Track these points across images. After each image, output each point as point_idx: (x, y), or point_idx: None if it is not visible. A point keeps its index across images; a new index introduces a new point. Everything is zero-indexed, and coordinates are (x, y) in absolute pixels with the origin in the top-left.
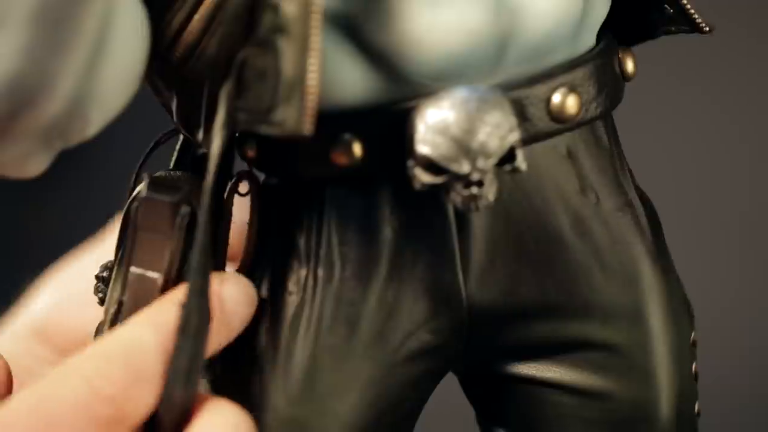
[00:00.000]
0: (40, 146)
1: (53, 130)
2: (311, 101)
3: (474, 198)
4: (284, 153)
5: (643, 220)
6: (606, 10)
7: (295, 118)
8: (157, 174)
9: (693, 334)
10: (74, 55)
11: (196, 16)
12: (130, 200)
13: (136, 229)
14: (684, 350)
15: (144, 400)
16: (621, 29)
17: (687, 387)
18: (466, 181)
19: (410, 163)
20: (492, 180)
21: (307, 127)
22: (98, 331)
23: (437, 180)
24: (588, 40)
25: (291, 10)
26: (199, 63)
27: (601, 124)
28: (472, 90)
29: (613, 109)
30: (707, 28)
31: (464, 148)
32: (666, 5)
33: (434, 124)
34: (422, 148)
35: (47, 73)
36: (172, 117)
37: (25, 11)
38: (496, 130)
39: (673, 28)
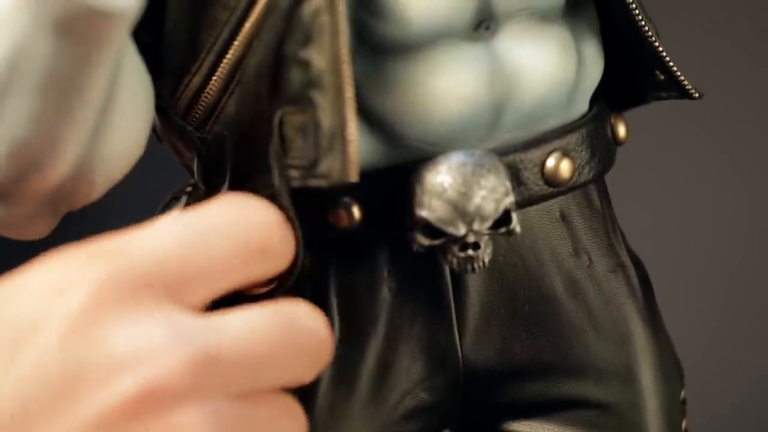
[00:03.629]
0: (46, 209)
1: (58, 194)
2: (353, 148)
3: (470, 260)
4: None
5: (635, 281)
6: (599, 76)
7: (340, 167)
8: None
9: (683, 392)
10: (80, 121)
11: (214, 78)
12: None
13: None
14: (675, 408)
15: (285, 254)
16: (613, 95)
17: None
18: (463, 243)
19: (409, 225)
20: (488, 242)
21: (353, 175)
22: None
23: (435, 242)
24: (581, 105)
25: (322, 63)
26: (217, 124)
27: (593, 188)
28: (468, 155)
29: (605, 173)
30: (696, 95)
31: (461, 211)
32: (657, 71)
33: (431, 188)
34: (420, 211)
35: (54, 139)
36: (192, 175)
37: (35, 79)
38: (492, 194)
39: (663, 94)
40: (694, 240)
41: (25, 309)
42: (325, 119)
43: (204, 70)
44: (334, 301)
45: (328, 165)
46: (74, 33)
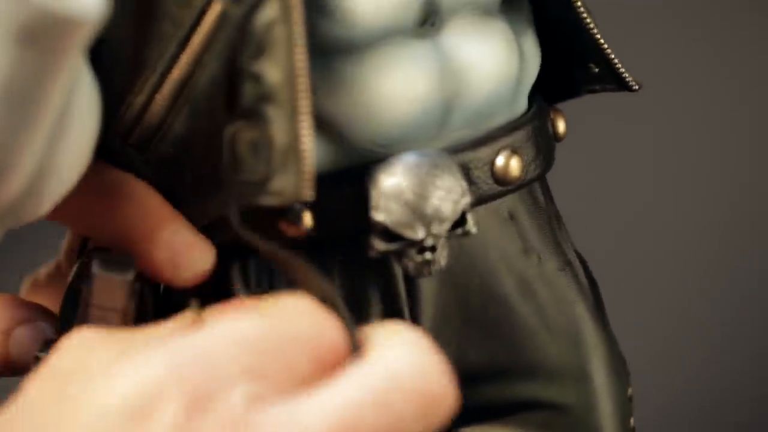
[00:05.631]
0: None
1: (9, 210)
2: (308, 166)
3: (427, 263)
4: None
5: (583, 279)
6: (537, 70)
7: (294, 185)
8: (102, 252)
9: (630, 390)
10: (38, 134)
11: (158, 95)
12: (75, 279)
13: (88, 306)
14: (625, 406)
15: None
16: (545, 89)
17: None
18: (420, 246)
19: (363, 230)
20: (444, 245)
21: (307, 193)
22: None
23: (392, 247)
24: (523, 101)
25: (275, 76)
26: (163, 143)
27: (537, 186)
28: (421, 155)
29: (548, 170)
30: (636, 86)
31: (419, 213)
32: (591, 64)
33: (388, 191)
34: (377, 215)
35: (10, 153)
36: None
37: None
38: (449, 195)
39: (597, 87)
40: (633, 236)
41: None
42: (279, 135)
43: (148, 88)
44: None
45: (281, 183)
46: (37, 41)
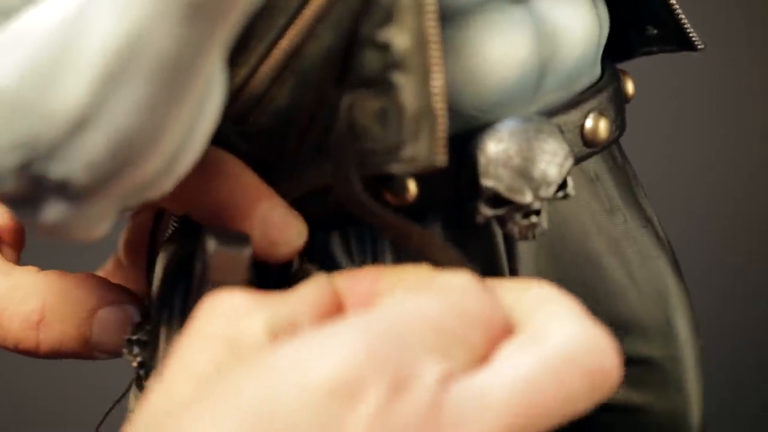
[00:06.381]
0: (118, 206)
1: (141, 186)
2: (441, 131)
3: (533, 226)
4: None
5: (662, 234)
6: (607, 33)
7: (427, 151)
8: (214, 230)
9: (701, 341)
10: (186, 109)
11: (263, 67)
12: (171, 261)
13: (204, 283)
14: (702, 357)
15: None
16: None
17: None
18: (526, 210)
19: (471, 197)
20: (546, 207)
21: (441, 158)
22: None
23: (499, 212)
24: (599, 65)
25: (404, 43)
26: (263, 115)
27: (615, 146)
28: (526, 120)
29: (624, 130)
30: (701, 45)
31: (527, 177)
32: (649, 26)
33: (496, 156)
34: (486, 181)
35: (159, 130)
36: None
37: (152, 66)
38: (554, 158)
39: (655, 48)
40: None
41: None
42: (410, 102)
43: (252, 60)
44: None
45: (414, 150)
46: (202, 17)
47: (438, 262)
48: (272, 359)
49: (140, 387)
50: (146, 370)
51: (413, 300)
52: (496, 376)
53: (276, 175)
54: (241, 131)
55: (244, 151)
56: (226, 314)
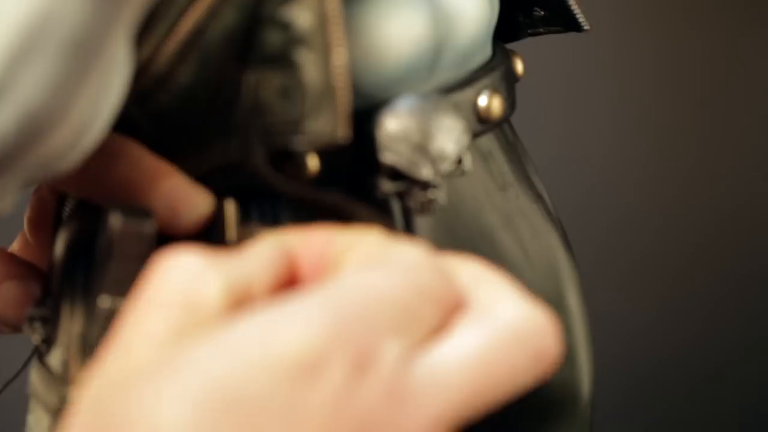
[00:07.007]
0: (21, 181)
1: (46, 161)
2: (344, 107)
3: (431, 201)
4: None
5: (552, 210)
6: (497, 14)
7: (330, 127)
8: (116, 206)
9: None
10: (92, 87)
11: (164, 48)
12: (73, 237)
13: (109, 257)
14: (589, 328)
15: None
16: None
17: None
18: (425, 185)
19: (370, 172)
20: (443, 183)
21: (343, 133)
22: (47, 368)
23: (399, 187)
24: (490, 45)
25: (307, 21)
26: (166, 95)
27: (506, 124)
28: (422, 97)
29: (515, 108)
30: (587, 27)
31: (425, 153)
32: (536, 8)
33: (395, 133)
34: (386, 156)
35: (67, 103)
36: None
37: (61, 41)
38: (451, 134)
39: (541, 30)
40: (596, 173)
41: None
42: (312, 78)
43: (155, 39)
44: None
45: (316, 124)
46: None
47: (353, 221)
48: (235, 333)
49: (41, 362)
50: (47, 345)
51: (373, 276)
52: (453, 352)
53: (182, 153)
54: (146, 111)
55: (149, 131)
56: (181, 277)
